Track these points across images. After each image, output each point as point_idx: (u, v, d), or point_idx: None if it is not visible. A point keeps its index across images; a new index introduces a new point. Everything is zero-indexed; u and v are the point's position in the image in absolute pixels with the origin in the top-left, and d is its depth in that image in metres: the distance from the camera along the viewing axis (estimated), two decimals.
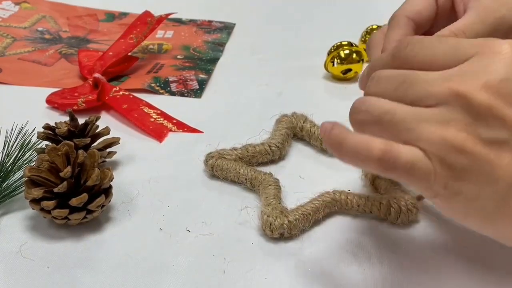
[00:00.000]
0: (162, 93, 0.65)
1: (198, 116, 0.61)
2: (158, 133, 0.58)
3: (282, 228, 0.44)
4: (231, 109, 0.63)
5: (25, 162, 0.50)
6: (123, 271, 0.42)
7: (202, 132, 0.58)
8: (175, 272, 0.42)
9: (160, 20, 0.72)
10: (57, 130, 0.50)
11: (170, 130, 0.58)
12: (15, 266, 0.42)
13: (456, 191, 0.36)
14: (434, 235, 0.46)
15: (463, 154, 0.35)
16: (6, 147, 0.50)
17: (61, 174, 0.44)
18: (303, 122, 0.56)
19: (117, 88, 0.63)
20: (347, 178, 0.52)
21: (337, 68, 0.68)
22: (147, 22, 0.71)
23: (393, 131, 0.37)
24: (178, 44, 0.77)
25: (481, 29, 0.45)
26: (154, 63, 0.72)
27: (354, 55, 0.67)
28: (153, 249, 0.44)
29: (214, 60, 0.73)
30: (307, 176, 0.52)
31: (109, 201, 0.46)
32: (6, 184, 0.48)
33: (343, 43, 0.69)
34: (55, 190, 0.43)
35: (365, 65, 0.67)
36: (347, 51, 0.67)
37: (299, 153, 0.55)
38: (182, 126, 0.59)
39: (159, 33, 0.80)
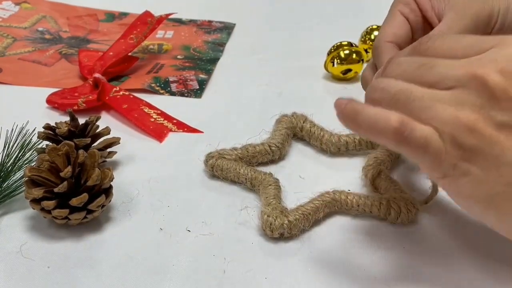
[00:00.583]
0: (162, 93, 0.65)
1: (198, 116, 0.61)
2: (158, 133, 0.58)
3: (282, 228, 0.44)
4: (231, 109, 0.63)
5: (25, 162, 0.50)
6: (123, 271, 0.42)
7: (202, 132, 0.58)
8: (175, 272, 0.42)
9: (160, 20, 0.72)
10: (57, 130, 0.50)
11: (170, 130, 0.58)
12: (16, 266, 0.42)
13: (464, 172, 0.36)
14: (434, 235, 0.46)
15: (474, 134, 0.36)
16: (7, 147, 0.51)
17: (62, 174, 0.44)
18: (303, 122, 0.56)
19: (117, 88, 0.63)
20: (347, 178, 0.52)
21: (337, 68, 0.68)
22: (147, 22, 0.71)
23: (408, 109, 0.37)
24: (178, 44, 0.77)
25: (463, 25, 0.46)
26: (154, 63, 0.72)
27: (354, 55, 0.67)
28: (153, 249, 0.44)
29: (214, 60, 0.73)
30: (307, 176, 0.52)
31: (109, 201, 0.46)
32: (7, 184, 0.48)
33: (343, 43, 0.69)
34: (56, 190, 0.43)
35: (365, 65, 0.67)
36: (347, 51, 0.67)
37: (299, 153, 0.55)
38: (182, 126, 0.59)
39: (159, 33, 0.80)
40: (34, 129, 0.52)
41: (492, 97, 0.36)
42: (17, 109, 0.61)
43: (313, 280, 0.42)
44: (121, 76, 0.68)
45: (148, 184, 0.50)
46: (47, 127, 0.51)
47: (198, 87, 0.67)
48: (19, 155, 0.50)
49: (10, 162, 0.49)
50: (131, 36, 0.70)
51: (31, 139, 0.52)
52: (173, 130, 0.58)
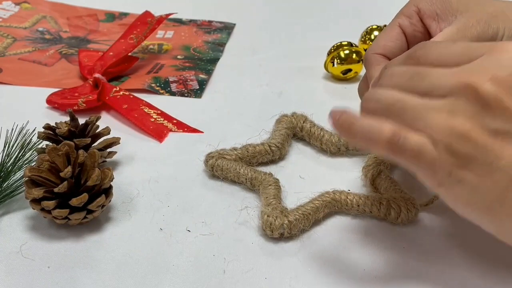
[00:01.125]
0: (162, 93, 0.65)
1: (198, 116, 0.61)
2: (158, 133, 0.58)
3: (282, 228, 0.44)
4: (231, 109, 0.63)
5: (25, 162, 0.50)
6: (123, 271, 0.42)
7: (202, 132, 0.58)
8: (175, 272, 0.42)
9: (160, 20, 0.72)
10: (57, 130, 0.50)
11: (170, 130, 0.58)
12: (16, 266, 0.42)
13: (460, 179, 0.37)
14: (434, 235, 0.46)
15: (468, 142, 0.36)
16: (7, 147, 0.51)
17: (62, 174, 0.44)
18: (303, 122, 0.56)
19: (117, 88, 0.63)
20: (347, 178, 0.52)
21: (337, 68, 0.68)
22: (147, 22, 0.71)
23: (402, 119, 0.38)
24: (178, 44, 0.77)
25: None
26: (154, 63, 0.72)
27: (354, 55, 0.67)
28: (153, 249, 0.44)
29: (214, 60, 0.73)
30: (307, 176, 0.52)
31: (109, 201, 0.46)
32: (7, 184, 0.48)
33: (343, 43, 0.69)
34: (56, 190, 0.43)
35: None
36: (347, 51, 0.67)
37: (299, 153, 0.55)
38: (182, 126, 0.59)
39: (159, 33, 0.80)
40: (34, 129, 0.53)
41: (484, 106, 0.36)
42: (17, 109, 0.61)
43: (313, 280, 0.42)
44: (121, 76, 0.68)
45: (148, 184, 0.50)
46: (47, 127, 0.51)
47: (198, 87, 0.67)
48: (19, 155, 0.50)
49: (10, 162, 0.49)
50: (131, 36, 0.70)
51: (31, 139, 0.52)
52: (173, 130, 0.58)
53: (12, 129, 0.53)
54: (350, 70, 0.68)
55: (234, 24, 0.83)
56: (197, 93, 0.66)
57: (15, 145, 0.51)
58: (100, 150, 0.50)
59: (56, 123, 0.51)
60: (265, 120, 0.58)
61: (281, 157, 0.54)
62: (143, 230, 0.46)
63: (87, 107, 0.60)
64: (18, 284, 0.41)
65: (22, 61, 0.71)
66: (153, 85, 0.66)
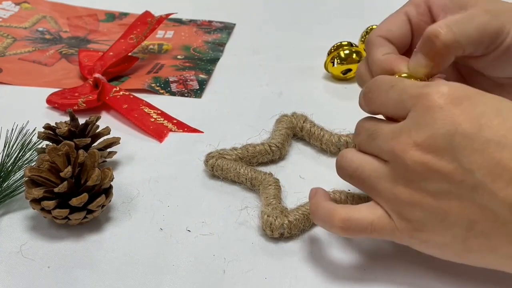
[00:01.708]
0: (162, 93, 0.65)
1: (198, 116, 0.61)
2: (158, 133, 0.58)
3: (282, 228, 0.44)
4: (231, 109, 0.63)
5: (25, 162, 0.50)
6: (123, 271, 0.42)
7: (202, 132, 0.58)
8: (175, 272, 0.42)
9: (160, 20, 0.72)
10: (57, 130, 0.50)
11: (171, 130, 0.58)
12: (16, 266, 0.42)
13: (423, 240, 0.38)
14: None
15: (415, 208, 0.38)
16: (7, 147, 0.51)
17: (62, 174, 0.44)
18: (303, 122, 0.56)
19: (117, 88, 0.63)
20: None
21: (337, 68, 0.68)
22: (147, 22, 0.71)
23: (363, 187, 0.41)
24: (178, 44, 0.77)
25: (465, 31, 0.45)
26: (154, 63, 0.72)
27: (354, 55, 0.67)
28: (153, 249, 0.44)
29: (214, 60, 0.73)
30: (307, 176, 0.52)
31: (109, 201, 0.46)
32: (7, 184, 0.48)
33: (343, 43, 0.69)
34: (56, 190, 0.43)
35: None
36: (347, 51, 0.67)
37: (299, 153, 0.55)
38: (182, 126, 0.59)
39: (159, 33, 0.80)
40: (34, 129, 0.53)
41: (415, 172, 0.37)
42: (17, 109, 0.61)
43: (313, 280, 0.42)
44: (121, 76, 0.68)
45: (148, 184, 0.50)
46: (47, 127, 0.51)
47: (198, 87, 0.67)
48: (19, 155, 0.50)
49: (10, 162, 0.49)
50: (131, 36, 0.70)
51: (31, 139, 0.52)
52: (173, 130, 0.58)
53: (12, 129, 0.53)
54: (350, 70, 0.68)
55: (234, 24, 0.83)
56: (197, 93, 0.66)
57: (15, 145, 0.51)
58: (100, 150, 0.50)
59: (56, 123, 0.51)
60: (265, 120, 0.58)
61: (281, 157, 0.54)
62: (143, 230, 0.46)
63: (87, 107, 0.60)
64: (18, 284, 0.41)
65: (22, 61, 0.71)
66: (153, 85, 0.66)
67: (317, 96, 0.66)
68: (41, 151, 0.47)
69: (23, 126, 0.53)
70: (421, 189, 0.37)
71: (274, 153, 0.53)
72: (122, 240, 0.45)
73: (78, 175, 0.45)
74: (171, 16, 0.74)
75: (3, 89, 0.66)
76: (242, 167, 0.50)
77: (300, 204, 0.46)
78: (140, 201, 0.49)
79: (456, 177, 0.36)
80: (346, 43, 0.69)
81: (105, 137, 0.52)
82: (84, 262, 0.43)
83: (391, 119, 0.41)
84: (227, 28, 0.82)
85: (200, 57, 0.74)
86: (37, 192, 0.43)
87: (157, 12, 0.74)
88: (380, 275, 0.42)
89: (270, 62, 0.73)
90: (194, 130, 0.59)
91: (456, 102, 0.37)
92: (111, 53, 0.68)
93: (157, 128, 0.58)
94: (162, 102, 0.63)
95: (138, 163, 0.54)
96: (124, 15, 0.85)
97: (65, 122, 0.51)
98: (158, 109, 0.61)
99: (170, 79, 0.68)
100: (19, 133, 0.52)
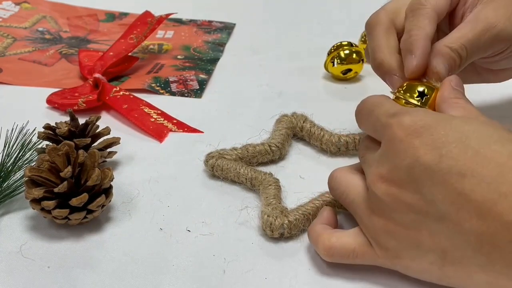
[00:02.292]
0: (162, 93, 0.65)
1: (198, 116, 0.61)
2: (158, 133, 0.58)
3: (282, 228, 0.44)
4: (231, 109, 0.63)
5: (25, 162, 0.50)
6: (123, 271, 0.42)
7: (202, 132, 0.58)
8: (175, 272, 0.42)
9: (160, 20, 0.72)
10: (57, 130, 0.50)
11: (171, 130, 0.58)
12: (15, 266, 0.42)
13: (403, 266, 0.39)
14: None
15: (390, 236, 0.39)
16: (7, 147, 0.51)
17: (62, 174, 0.44)
18: (303, 122, 0.56)
19: (118, 88, 0.63)
20: None
21: (337, 68, 0.68)
22: (147, 22, 0.71)
23: (350, 210, 0.43)
24: (178, 44, 0.77)
25: (476, 43, 0.46)
26: (154, 63, 0.72)
27: (354, 55, 0.67)
28: (153, 249, 0.44)
29: (214, 60, 0.73)
30: (307, 176, 0.52)
31: (110, 201, 0.46)
32: (7, 184, 0.48)
33: (343, 43, 0.69)
34: (56, 190, 0.43)
35: (365, 65, 0.67)
36: (347, 51, 0.67)
37: (299, 153, 0.55)
38: (182, 126, 0.59)
39: (159, 33, 0.80)
40: (34, 129, 0.53)
41: (384, 203, 0.38)
42: (17, 109, 0.61)
43: (313, 280, 0.42)
44: (121, 76, 0.68)
45: (148, 184, 0.50)
46: (47, 127, 0.51)
47: (198, 87, 0.67)
48: (19, 155, 0.50)
49: (10, 162, 0.49)
50: (131, 36, 0.70)
51: (31, 139, 0.52)
52: (173, 130, 0.58)
53: (12, 129, 0.53)
54: (350, 70, 0.68)
55: (234, 24, 0.83)
56: (197, 93, 0.66)
57: (15, 145, 0.51)
58: (100, 150, 0.50)
59: (56, 123, 0.51)
60: (265, 120, 0.58)
61: (281, 157, 0.54)
62: (143, 230, 0.46)
63: (87, 107, 0.60)
64: (18, 284, 0.41)
65: (22, 61, 0.71)
66: (153, 85, 0.66)
67: (317, 96, 0.66)
68: (41, 151, 0.47)
69: (23, 126, 0.53)
70: (393, 219, 0.38)
71: (274, 153, 0.53)
72: (122, 240, 0.45)
73: (78, 175, 0.45)
74: (171, 16, 0.74)
75: (3, 89, 0.66)
76: (242, 167, 0.50)
77: (300, 204, 0.46)
78: (140, 201, 0.49)
79: (421, 208, 0.37)
80: (346, 43, 0.69)
81: (105, 137, 0.52)
82: (84, 262, 0.43)
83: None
84: (227, 28, 0.82)
85: (200, 57, 0.74)
86: (37, 192, 0.43)
87: (157, 12, 0.74)
88: (380, 275, 0.42)
89: (270, 62, 0.73)
90: (194, 130, 0.59)
91: (416, 133, 0.37)
92: (111, 53, 0.68)
93: (157, 128, 0.58)
94: (162, 102, 0.63)
95: (138, 163, 0.54)
96: (124, 15, 0.85)
97: (65, 122, 0.51)
98: (158, 109, 0.61)
99: (170, 79, 0.68)
100: (19, 133, 0.52)
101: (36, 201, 0.44)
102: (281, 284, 0.41)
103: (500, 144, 0.35)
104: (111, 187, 0.46)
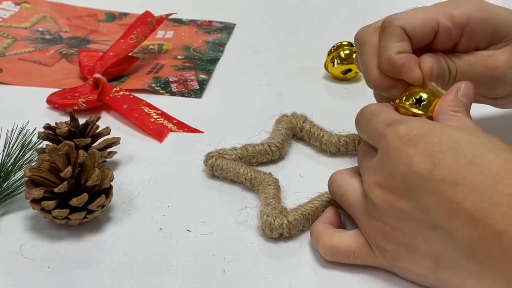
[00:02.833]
0: (162, 93, 0.65)
1: (198, 116, 0.61)
2: (158, 133, 0.58)
3: (282, 228, 0.44)
4: (231, 109, 0.63)
5: (25, 162, 0.50)
6: (123, 271, 0.42)
7: (202, 132, 0.58)
8: (175, 272, 0.42)
9: (160, 20, 0.72)
10: (57, 130, 0.50)
11: (171, 130, 0.58)
12: (16, 266, 0.42)
13: (401, 268, 0.40)
14: None
15: (387, 240, 0.39)
16: (7, 147, 0.51)
17: (62, 174, 0.44)
18: (303, 122, 0.56)
19: (118, 88, 0.63)
20: None
21: (337, 69, 0.68)
22: (148, 23, 0.71)
23: (349, 213, 0.43)
24: (179, 45, 0.77)
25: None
26: (154, 63, 0.72)
27: (354, 55, 0.67)
28: (153, 249, 0.44)
29: (214, 60, 0.73)
30: (307, 176, 0.52)
31: (110, 201, 0.46)
32: (7, 184, 0.48)
33: (343, 43, 0.69)
34: (56, 190, 0.43)
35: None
36: (347, 51, 0.67)
37: (299, 153, 0.55)
38: (182, 126, 0.59)
39: (160, 33, 0.80)
40: (34, 129, 0.53)
41: (381, 208, 0.39)
42: (18, 109, 0.61)
43: (313, 280, 0.42)
44: (121, 76, 0.68)
45: (148, 184, 0.50)
46: (47, 127, 0.51)
47: (198, 87, 0.67)
48: (19, 155, 0.50)
49: (10, 162, 0.49)
50: (131, 36, 0.70)
51: (31, 139, 0.52)
52: (173, 130, 0.58)
53: (12, 129, 0.53)
54: (350, 70, 0.68)
55: (234, 24, 0.83)
56: (197, 93, 0.66)
57: (15, 145, 0.51)
58: (100, 150, 0.50)
59: (56, 123, 0.51)
60: (265, 120, 0.58)
61: (281, 157, 0.54)
62: (143, 230, 0.46)
63: (87, 107, 0.60)
64: (18, 284, 0.41)
65: (22, 61, 0.71)
66: (153, 85, 0.66)
67: (317, 96, 0.66)
68: (41, 151, 0.47)
69: (23, 126, 0.53)
70: (389, 224, 0.39)
71: (273, 153, 0.53)
72: (122, 240, 0.45)
73: (78, 175, 0.45)
74: (171, 16, 0.74)
75: (3, 89, 0.66)
76: (242, 167, 0.50)
77: (300, 204, 0.46)
78: (140, 201, 0.49)
79: (416, 215, 0.37)
80: (346, 43, 0.69)
81: (105, 137, 0.52)
82: (84, 262, 0.43)
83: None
84: (227, 28, 0.82)
85: (200, 57, 0.74)
86: (37, 192, 0.43)
87: (157, 12, 0.74)
88: (380, 275, 0.42)
89: (270, 62, 0.73)
90: (194, 130, 0.59)
91: (411, 142, 0.37)
92: (111, 53, 0.68)
93: (157, 128, 0.58)
94: (162, 102, 0.63)
95: (138, 163, 0.54)
96: (124, 15, 0.85)
97: (65, 122, 0.51)
98: (158, 109, 0.61)
99: (170, 79, 0.68)
100: (19, 133, 0.52)
101: (36, 201, 0.44)
102: (280, 284, 0.41)
103: (493, 153, 0.36)
104: (111, 187, 0.46)
